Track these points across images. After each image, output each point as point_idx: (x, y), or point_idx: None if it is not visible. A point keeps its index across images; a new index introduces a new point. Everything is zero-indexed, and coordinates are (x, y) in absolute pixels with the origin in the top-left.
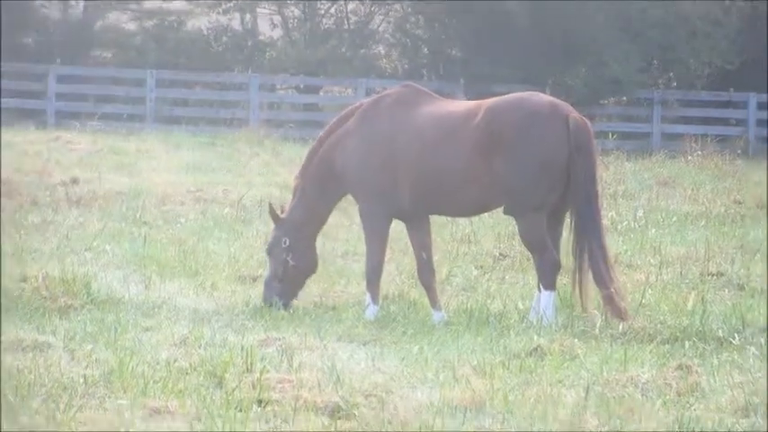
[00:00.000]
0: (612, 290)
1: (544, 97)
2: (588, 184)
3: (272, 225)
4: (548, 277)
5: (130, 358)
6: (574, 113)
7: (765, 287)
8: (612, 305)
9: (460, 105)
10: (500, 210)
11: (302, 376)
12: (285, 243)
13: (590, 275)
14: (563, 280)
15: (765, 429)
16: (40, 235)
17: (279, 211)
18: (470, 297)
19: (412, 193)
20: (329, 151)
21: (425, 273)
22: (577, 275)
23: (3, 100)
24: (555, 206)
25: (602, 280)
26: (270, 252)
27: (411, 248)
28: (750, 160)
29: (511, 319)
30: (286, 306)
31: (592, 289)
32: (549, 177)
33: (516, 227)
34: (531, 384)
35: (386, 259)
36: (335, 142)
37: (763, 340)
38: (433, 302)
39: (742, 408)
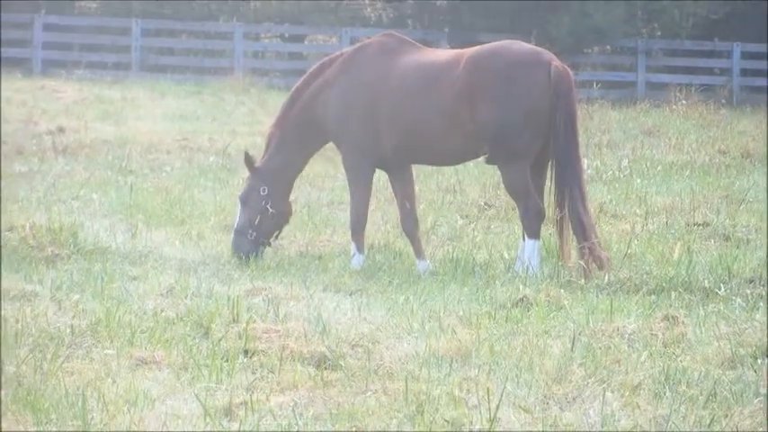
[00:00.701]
0: (593, 241)
1: (526, 45)
2: (568, 132)
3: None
4: (532, 226)
5: (117, 308)
6: (556, 61)
7: (752, 237)
8: (592, 256)
9: (443, 54)
10: (485, 159)
11: (288, 326)
12: (264, 191)
13: (570, 226)
14: (548, 230)
15: (752, 380)
16: (27, 184)
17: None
18: (456, 247)
19: (394, 141)
20: (310, 100)
21: (409, 222)
22: (559, 225)
23: None
24: (539, 155)
25: (582, 231)
26: (245, 200)
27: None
28: (734, 110)
29: (497, 269)
30: (257, 255)
31: (572, 239)
32: (532, 125)
33: (500, 176)
34: (517, 335)
35: (371, 209)
36: (316, 92)
37: (749, 291)
38: (418, 252)
39: (728, 359)
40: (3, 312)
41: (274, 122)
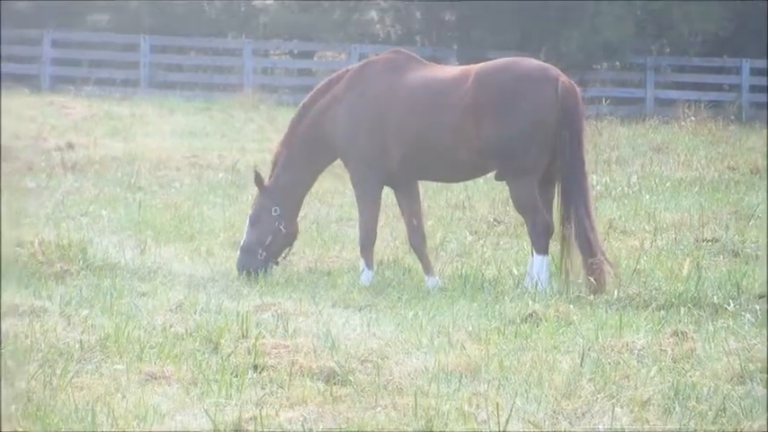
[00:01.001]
0: (598, 258)
1: (533, 61)
2: (574, 148)
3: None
4: (540, 241)
5: (126, 323)
6: (563, 77)
7: (761, 254)
8: (595, 275)
9: (450, 71)
10: (494, 175)
11: (298, 342)
12: (276, 211)
13: (576, 243)
14: (558, 246)
15: (761, 396)
16: (36, 200)
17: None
18: (465, 263)
19: (402, 158)
20: (317, 117)
21: (416, 239)
22: (564, 242)
23: None
24: (546, 170)
25: (588, 247)
26: (256, 220)
27: None
28: (743, 126)
29: (506, 285)
30: (265, 272)
31: (578, 256)
32: (540, 140)
33: (509, 192)
34: (526, 350)
35: (381, 225)
36: (324, 108)
37: (758, 307)
38: (426, 268)
39: (737, 374)
40: (13, 328)
41: (282, 141)
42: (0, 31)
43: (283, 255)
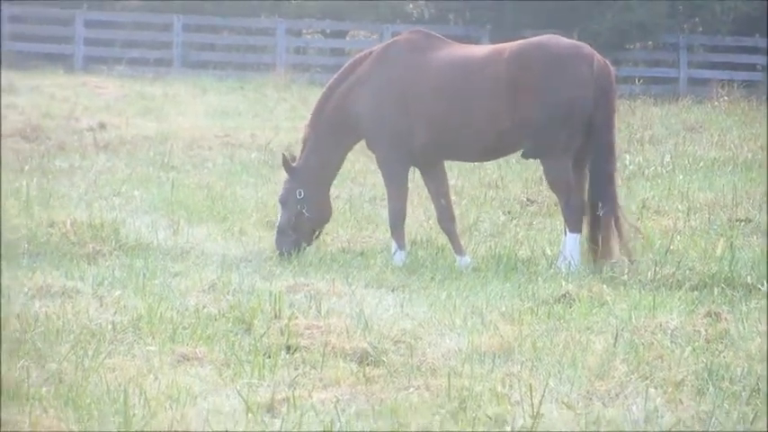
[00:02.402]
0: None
1: (567, 40)
2: (605, 128)
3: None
4: (574, 220)
5: (159, 304)
6: (597, 56)
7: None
8: (626, 249)
9: (478, 49)
10: (522, 154)
11: (330, 322)
12: (300, 194)
13: (605, 222)
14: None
15: None
16: (68, 180)
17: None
18: (498, 243)
19: (429, 138)
20: (342, 99)
21: (446, 219)
22: (594, 222)
23: (31, 45)
24: (580, 149)
25: (618, 227)
26: (284, 202)
27: None
28: None
29: (539, 265)
30: (298, 252)
31: (610, 235)
32: (575, 119)
33: (542, 171)
34: (559, 331)
35: (413, 205)
36: (348, 90)
37: None
38: (457, 248)
39: None
40: (44, 309)
41: (309, 122)
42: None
43: (315, 235)
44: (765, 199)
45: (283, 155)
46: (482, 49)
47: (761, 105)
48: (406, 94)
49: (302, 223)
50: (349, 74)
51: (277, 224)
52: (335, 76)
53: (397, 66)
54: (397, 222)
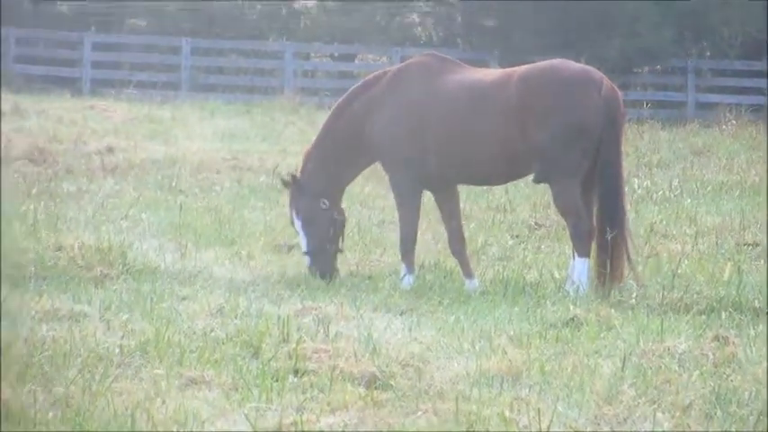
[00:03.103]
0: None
1: (576, 64)
2: (613, 153)
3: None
4: (582, 244)
5: (166, 328)
6: (606, 80)
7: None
8: (635, 274)
9: (490, 73)
10: (533, 178)
11: (338, 346)
12: (325, 204)
13: (613, 247)
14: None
15: None
16: (76, 204)
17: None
18: (506, 266)
19: (442, 161)
20: (356, 119)
21: (456, 242)
22: (602, 246)
23: (38, 68)
24: (588, 173)
25: (627, 251)
26: (310, 220)
27: None
28: None
29: (547, 289)
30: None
31: (619, 259)
32: (584, 143)
33: (550, 194)
34: (567, 354)
35: (422, 228)
36: (361, 111)
37: None
38: (467, 272)
39: None
40: (52, 333)
41: (315, 142)
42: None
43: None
44: (766, 221)
45: (281, 177)
46: (493, 73)
47: None
48: (421, 118)
49: (338, 229)
50: (361, 94)
51: (306, 248)
52: (346, 95)
53: (412, 89)
54: (408, 246)
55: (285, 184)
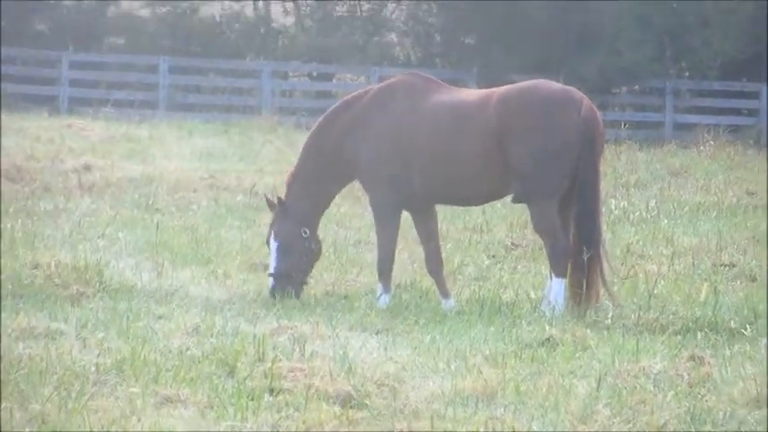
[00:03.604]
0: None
1: (556, 84)
2: (591, 173)
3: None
4: (559, 264)
5: (142, 346)
6: (586, 101)
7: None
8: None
9: (471, 93)
10: (512, 198)
11: (314, 365)
12: (305, 233)
13: (590, 267)
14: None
15: None
16: (53, 222)
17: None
18: (482, 286)
19: (423, 182)
20: (336, 139)
21: (433, 262)
22: (578, 267)
23: (16, 86)
24: (565, 193)
25: (602, 272)
26: (288, 245)
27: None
28: (762, 151)
29: (523, 309)
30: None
31: (595, 280)
32: (563, 163)
33: (528, 215)
34: (542, 374)
35: (399, 248)
36: (343, 130)
37: None
38: (443, 292)
39: (754, 399)
40: (28, 351)
41: (297, 163)
42: None
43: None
44: (752, 243)
45: (266, 197)
46: (475, 93)
47: (746, 150)
48: (403, 138)
49: (311, 260)
50: (342, 112)
51: (273, 270)
52: (327, 113)
53: (396, 108)
54: (386, 266)
55: (270, 205)
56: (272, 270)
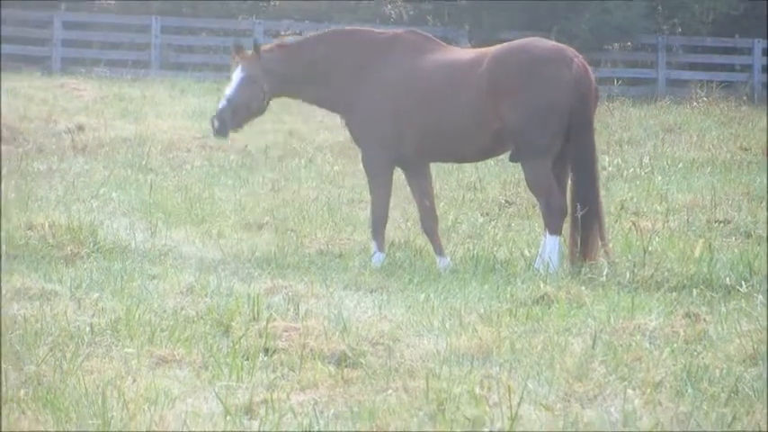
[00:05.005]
0: (608, 240)
1: (549, 42)
2: (585, 131)
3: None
4: (554, 222)
5: (137, 307)
6: (578, 58)
7: (766, 234)
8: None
9: (465, 53)
10: (506, 157)
11: (309, 324)
12: (265, 88)
13: (585, 224)
14: (568, 228)
15: None
16: (46, 182)
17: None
18: (476, 244)
19: (417, 140)
20: (329, 66)
21: (428, 219)
22: (575, 224)
23: (8, 46)
24: (561, 152)
25: (601, 230)
26: (250, 84)
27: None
28: (755, 107)
29: (517, 267)
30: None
31: (592, 237)
32: (555, 121)
33: (522, 173)
34: (537, 332)
35: (391, 206)
36: (351, 75)
37: None
38: (438, 249)
39: (750, 356)
40: (23, 312)
41: (295, 43)
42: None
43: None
44: (747, 198)
45: (235, 44)
46: (469, 53)
47: (740, 106)
48: (398, 96)
49: (255, 111)
50: (347, 42)
51: (231, 94)
52: (346, 34)
53: (392, 66)
54: (379, 224)
55: (238, 51)
56: (228, 93)
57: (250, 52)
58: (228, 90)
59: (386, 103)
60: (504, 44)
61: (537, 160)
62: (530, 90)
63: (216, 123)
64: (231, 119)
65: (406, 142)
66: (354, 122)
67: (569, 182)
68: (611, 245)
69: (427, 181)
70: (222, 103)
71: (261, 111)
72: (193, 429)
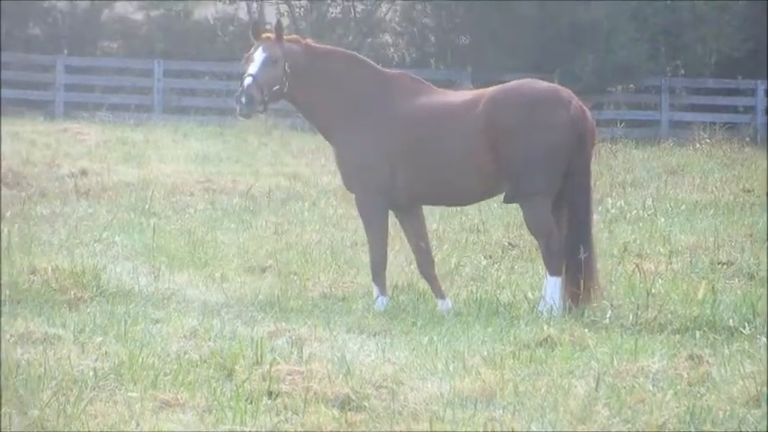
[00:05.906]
0: (597, 284)
1: (543, 83)
2: (581, 173)
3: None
4: (554, 263)
5: (140, 351)
6: (575, 99)
7: (766, 275)
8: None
9: (460, 95)
10: (503, 198)
11: (312, 368)
12: (288, 68)
13: (587, 266)
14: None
15: None
16: (50, 227)
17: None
18: (480, 287)
19: (411, 183)
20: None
21: (425, 263)
22: (579, 267)
23: (11, 91)
24: (558, 193)
25: (591, 273)
26: (273, 64)
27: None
28: (758, 148)
29: (520, 309)
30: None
31: (589, 279)
32: (552, 163)
33: (522, 214)
34: (541, 375)
35: (395, 249)
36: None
37: None
38: (438, 292)
39: (753, 398)
40: (26, 356)
41: (314, 45)
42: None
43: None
44: (750, 240)
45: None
46: (464, 95)
47: (743, 147)
48: (389, 139)
49: (279, 92)
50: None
51: (254, 73)
52: (362, 64)
53: (384, 112)
54: (379, 268)
55: (257, 34)
56: (253, 71)
57: (269, 35)
58: (252, 68)
59: (380, 146)
60: (500, 86)
61: (536, 202)
62: (526, 131)
63: (243, 99)
64: (259, 96)
65: (398, 186)
66: (348, 166)
67: (566, 226)
68: (613, 287)
69: (420, 222)
70: (248, 80)
71: (283, 93)
72: None
